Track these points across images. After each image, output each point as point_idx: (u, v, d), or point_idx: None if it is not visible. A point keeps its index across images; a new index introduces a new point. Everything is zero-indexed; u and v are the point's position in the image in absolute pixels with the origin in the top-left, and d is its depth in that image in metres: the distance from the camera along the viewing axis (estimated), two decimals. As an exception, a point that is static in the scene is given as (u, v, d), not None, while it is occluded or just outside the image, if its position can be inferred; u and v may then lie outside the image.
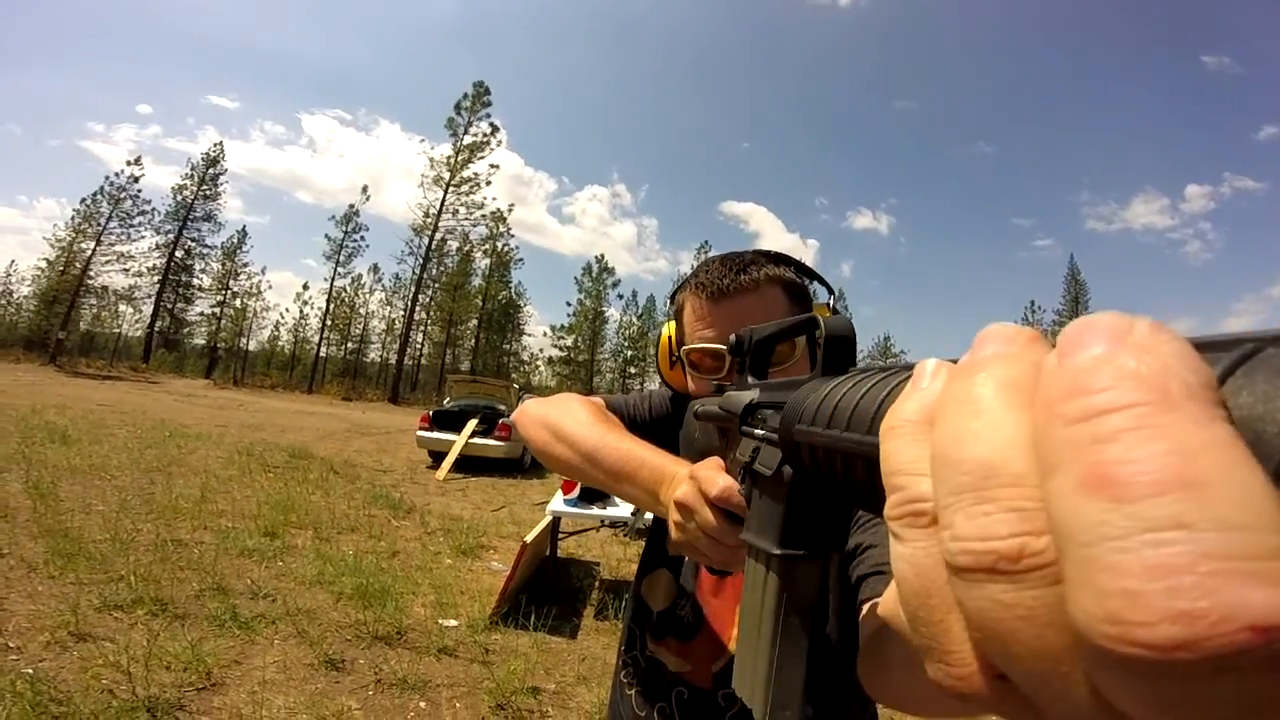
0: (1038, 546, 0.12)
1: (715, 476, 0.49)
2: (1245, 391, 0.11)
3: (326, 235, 41.24)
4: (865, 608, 0.52)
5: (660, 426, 0.98)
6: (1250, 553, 0.09)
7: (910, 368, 0.20)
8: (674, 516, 0.55)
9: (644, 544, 1.05)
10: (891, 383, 0.21)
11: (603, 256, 43.87)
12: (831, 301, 0.94)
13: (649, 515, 0.70)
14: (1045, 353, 0.14)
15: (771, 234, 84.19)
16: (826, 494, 0.31)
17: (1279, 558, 0.09)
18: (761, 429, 0.37)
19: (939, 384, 0.17)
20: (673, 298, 0.96)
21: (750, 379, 0.45)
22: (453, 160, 37.69)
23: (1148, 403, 0.10)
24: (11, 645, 2.59)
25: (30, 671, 2.39)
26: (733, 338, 0.48)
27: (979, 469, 0.13)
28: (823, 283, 0.94)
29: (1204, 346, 0.12)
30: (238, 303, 41.68)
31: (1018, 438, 0.13)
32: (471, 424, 9.98)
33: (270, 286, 46.40)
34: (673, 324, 0.94)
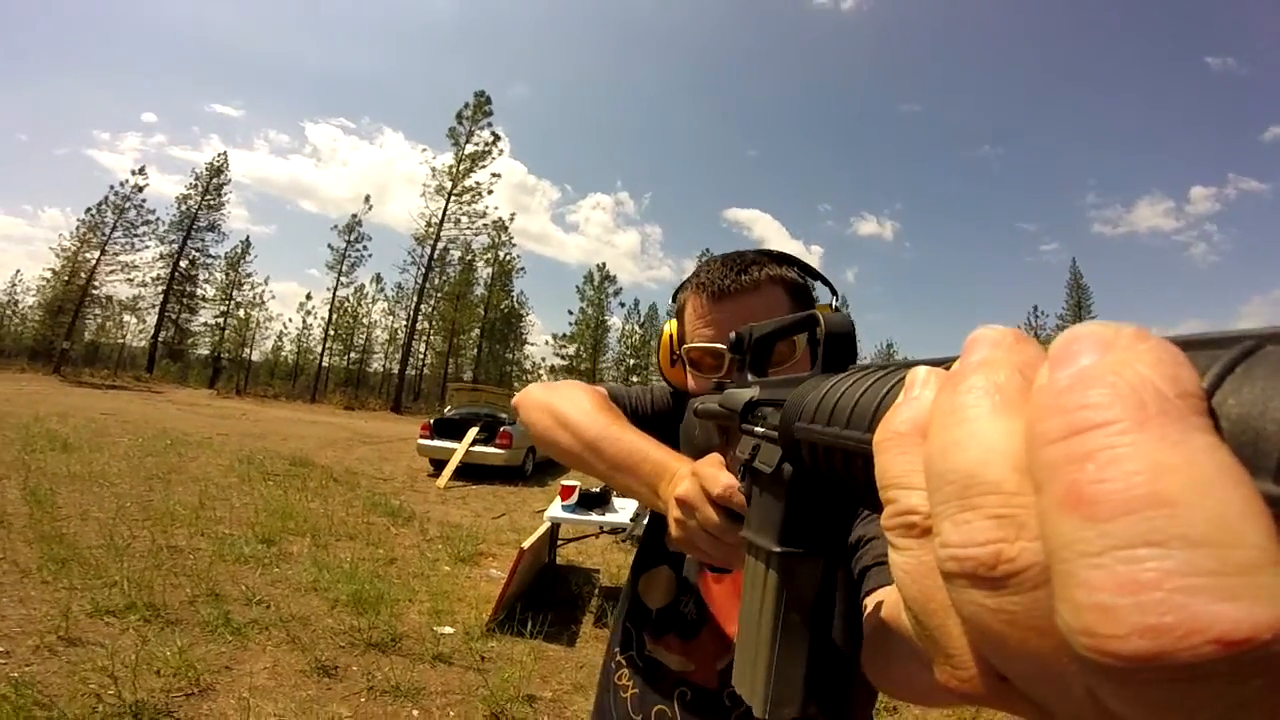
0: (1011, 554, 0.12)
1: (717, 474, 0.48)
2: (1245, 388, 0.11)
3: (329, 245, 41.56)
4: (869, 600, 0.51)
5: (661, 421, 0.97)
6: (1217, 568, 0.09)
7: (910, 365, 0.20)
8: (674, 513, 0.55)
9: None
10: (891, 380, 0.21)
11: (604, 265, 43.79)
12: (834, 303, 0.92)
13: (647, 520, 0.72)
14: (1033, 354, 0.15)
15: (775, 241, 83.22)
16: (827, 491, 0.31)
17: (1245, 573, 0.09)
18: (761, 426, 0.37)
19: (929, 393, 0.17)
20: (675, 296, 0.96)
21: (750, 376, 0.45)
22: (455, 169, 37.75)
23: (1121, 419, 0.11)
24: (0, 649, 2.57)
25: (16, 675, 2.36)
26: (733, 335, 0.48)
27: (962, 478, 0.13)
28: (826, 283, 0.93)
29: (1204, 344, 0.12)
30: (241, 313, 41.78)
31: (1000, 445, 0.13)
32: (473, 432, 9.96)
33: (274, 296, 47.02)
34: (674, 322, 0.94)
